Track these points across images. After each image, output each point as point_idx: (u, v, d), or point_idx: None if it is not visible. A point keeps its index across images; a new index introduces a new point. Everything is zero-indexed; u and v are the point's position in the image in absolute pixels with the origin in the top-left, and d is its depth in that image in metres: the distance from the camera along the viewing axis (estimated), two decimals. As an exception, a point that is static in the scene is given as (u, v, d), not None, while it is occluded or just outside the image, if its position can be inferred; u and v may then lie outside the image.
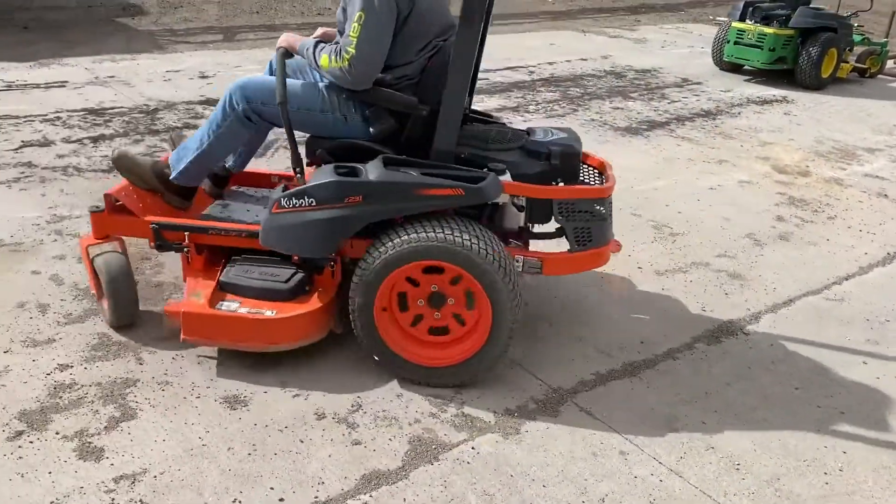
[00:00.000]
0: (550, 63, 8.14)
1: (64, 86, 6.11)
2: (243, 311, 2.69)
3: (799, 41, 7.77)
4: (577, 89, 7.14)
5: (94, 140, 4.96)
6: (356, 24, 2.59)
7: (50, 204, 3.98)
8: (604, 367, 2.93)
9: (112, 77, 6.46)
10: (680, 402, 2.76)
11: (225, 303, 2.74)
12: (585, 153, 3.05)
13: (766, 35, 7.68)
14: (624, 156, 5.38)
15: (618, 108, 6.61)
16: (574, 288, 3.51)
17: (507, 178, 2.69)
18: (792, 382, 2.93)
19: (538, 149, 2.78)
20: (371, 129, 2.79)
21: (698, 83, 7.76)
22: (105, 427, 2.42)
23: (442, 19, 2.82)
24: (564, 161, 2.76)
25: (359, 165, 2.64)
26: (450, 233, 2.54)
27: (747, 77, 8.14)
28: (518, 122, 5.95)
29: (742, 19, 7.94)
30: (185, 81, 6.51)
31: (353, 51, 2.60)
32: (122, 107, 5.68)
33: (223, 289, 2.79)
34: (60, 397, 2.54)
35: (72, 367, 2.70)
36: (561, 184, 2.77)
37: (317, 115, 2.83)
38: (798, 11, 7.74)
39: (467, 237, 2.54)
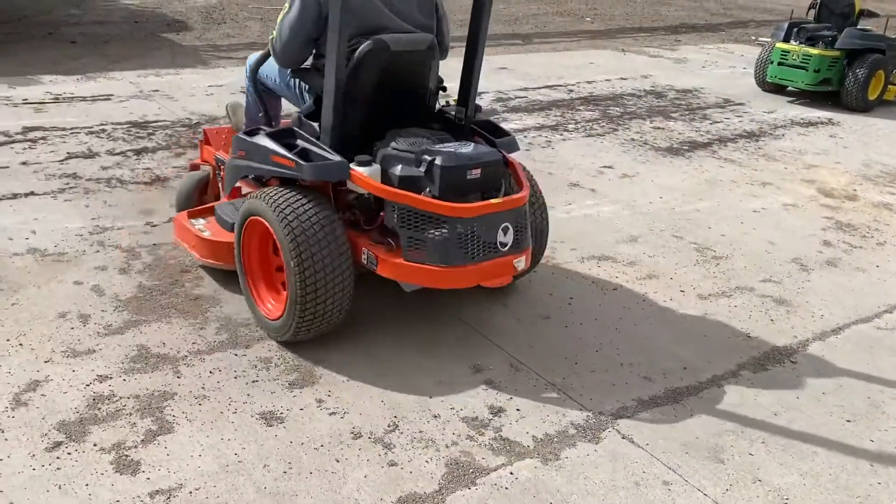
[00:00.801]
0: (590, 82, 8.09)
1: (109, 99, 6.22)
2: (197, 227, 3.36)
3: (845, 62, 7.62)
4: (617, 108, 7.08)
5: (138, 153, 5.03)
6: (281, 13, 3.01)
7: (93, 215, 4.03)
8: (646, 393, 2.86)
9: (156, 91, 6.56)
10: (725, 432, 2.68)
11: (197, 220, 3.44)
12: (522, 180, 3.07)
13: (811, 56, 7.54)
14: (665, 176, 5.30)
15: (658, 128, 6.53)
16: (615, 311, 3.44)
17: (362, 169, 2.78)
18: (842, 414, 2.83)
19: (421, 156, 2.79)
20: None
21: (740, 104, 7.65)
22: (142, 440, 2.42)
23: (365, 21, 2.92)
24: (431, 172, 2.75)
25: (268, 129, 3.06)
26: (273, 198, 2.82)
27: (791, 98, 8.00)
28: (556, 141, 5.92)
29: (786, 40, 7.81)
30: (228, 96, 6.58)
31: (274, 34, 3.05)
32: (165, 120, 5.76)
33: (214, 212, 3.38)
34: (99, 409, 2.55)
35: (111, 378, 2.71)
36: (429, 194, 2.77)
37: (285, 88, 3.38)
38: (844, 32, 7.60)
39: (279, 204, 2.79)
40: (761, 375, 3.04)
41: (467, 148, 2.86)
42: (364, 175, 2.78)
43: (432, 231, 2.73)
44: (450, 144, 2.89)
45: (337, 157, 2.78)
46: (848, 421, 2.79)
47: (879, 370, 3.14)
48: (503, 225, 2.82)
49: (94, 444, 2.38)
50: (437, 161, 2.74)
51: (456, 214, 2.72)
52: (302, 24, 2.93)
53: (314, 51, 3.08)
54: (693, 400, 2.84)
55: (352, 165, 2.80)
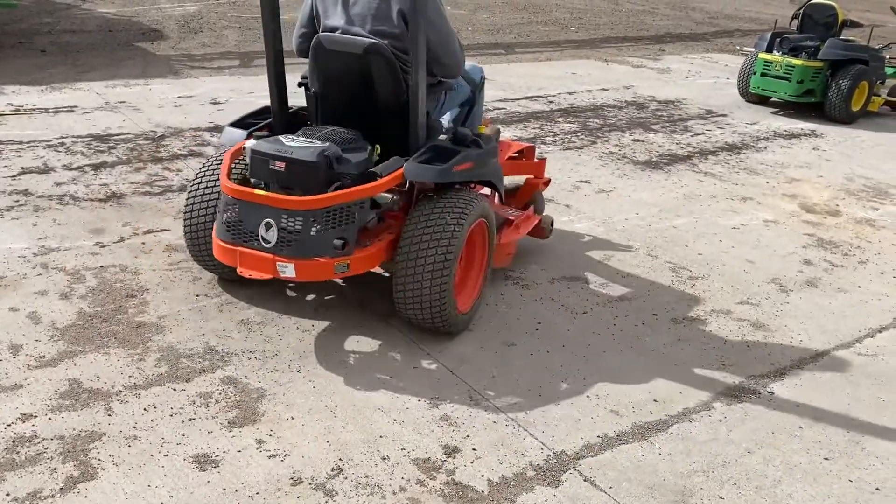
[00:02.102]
0: (570, 93, 7.95)
1: (73, 111, 6.02)
2: None
3: (828, 73, 7.51)
4: (597, 120, 6.94)
5: (95, 167, 4.83)
6: None
7: (40, 235, 3.84)
8: (612, 429, 2.69)
9: (122, 102, 6.37)
10: (694, 473, 2.50)
11: None
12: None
13: (794, 67, 7.42)
14: (643, 191, 5.15)
15: (638, 141, 6.38)
16: (584, 337, 3.28)
17: (246, 141, 3.07)
18: (820, 451, 2.66)
19: None
20: None
21: (723, 115, 7.52)
22: (61, 489, 2.22)
23: (324, 20, 3.18)
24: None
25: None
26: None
27: (774, 109, 7.88)
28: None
29: (769, 50, 7.69)
30: (196, 107, 6.41)
31: None
32: (128, 133, 5.57)
33: None
34: (17, 452, 2.35)
35: (35, 416, 2.52)
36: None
37: None
38: (828, 43, 7.48)
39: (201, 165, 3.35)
40: (735, 408, 2.87)
41: (295, 143, 2.90)
42: (240, 144, 3.12)
43: (219, 201, 3.00)
44: (295, 138, 2.98)
45: (244, 131, 3.23)
46: (826, 459, 2.63)
47: (859, 401, 2.98)
48: (265, 220, 2.80)
49: (7, 494, 2.19)
50: (250, 144, 2.96)
51: (224, 189, 2.92)
52: (301, 19, 3.29)
53: None
54: (662, 436, 2.67)
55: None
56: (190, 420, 2.56)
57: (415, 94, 2.99)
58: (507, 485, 2.38)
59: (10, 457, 2.33)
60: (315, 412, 2.65)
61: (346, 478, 2.36)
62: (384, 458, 2.45)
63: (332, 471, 2.38)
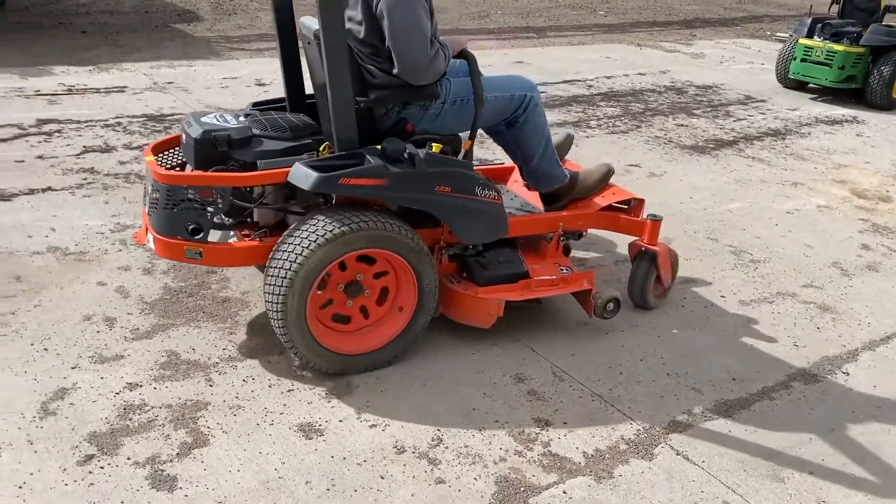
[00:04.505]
0: (608, 77, 7.95)
1: (123, 91, 6.10)
2: None
3: (870, 59, 7.48)
4: (639, 105, 6.95)
5: (155, 147, 4.90)
6: None
7: (113, 212, 3.92)
8: (696, 406, 2.75)
9: (170, 83, 6.44)
10: (782, 448, 2.56)
11: None
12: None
13: (835, 52, 7.40)
14: (694, 175, 5.18)
15: (682, 126, 6.40)
16: (654, 317, 3.33)
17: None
18: (901, 430, 2.72)
19: None
20: None
21: (762, 101, 7.51)
22: (177, 454, 2.30)
23: None
24: None
25: None
26: None
27: (813, 95, 7.87)
28: (580, 138, 5.78)
29: (810, 36, 7.67)
30: (243, 88, 6.47)
31: None
32: (181, 113, 5.64)
33: None
34: (130, 419, 2.44)
35: (141, 386, 2.60)
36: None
37: None
38: (870, 29, 7.45)
39: None
40: (813, 387, 2.92)
41: (210, 120, 2.88)
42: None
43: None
44: (225, 116, 2.94)
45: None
46: (907, 437, 2.68)
47: (933, 382, 3.03)
48: (149, 186, 2.81)
49: (128, 458, 2.27)
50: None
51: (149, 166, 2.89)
52: None
53: None
54: (745, 413, 2.73)
55: None
56: (289, 391, 2.64)
57: (336, 88, 2.57)
58: (601, 457, 2.45)
59: (124, 423, 2.41)
60: (406, 385, 2.72)
61: (446, 447, 2.43)
62: (480, 430, 2.52)
63: (433, 441, 2.45)
